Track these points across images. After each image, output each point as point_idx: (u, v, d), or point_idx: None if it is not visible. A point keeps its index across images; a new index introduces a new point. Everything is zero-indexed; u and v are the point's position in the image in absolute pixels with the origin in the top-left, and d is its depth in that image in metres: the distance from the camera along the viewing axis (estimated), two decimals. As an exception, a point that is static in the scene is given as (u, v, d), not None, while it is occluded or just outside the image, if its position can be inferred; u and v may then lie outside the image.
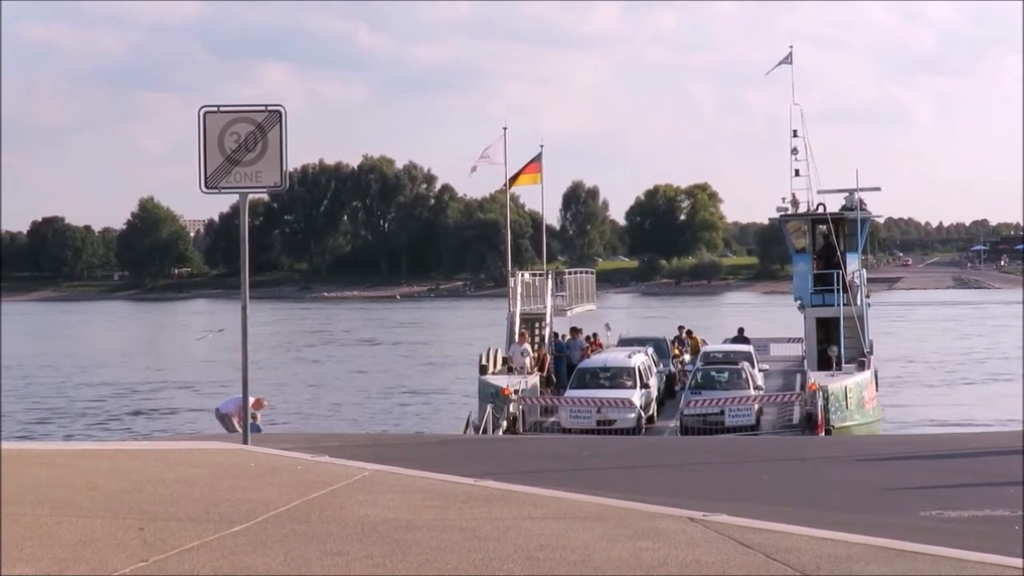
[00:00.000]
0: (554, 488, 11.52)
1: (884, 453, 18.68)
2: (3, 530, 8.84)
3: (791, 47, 40.10)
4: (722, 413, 29.23)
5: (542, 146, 40.73)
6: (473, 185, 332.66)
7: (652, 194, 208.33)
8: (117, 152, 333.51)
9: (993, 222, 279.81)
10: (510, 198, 44.58)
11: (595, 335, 40.64)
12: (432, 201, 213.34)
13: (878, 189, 39.31)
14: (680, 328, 43.88)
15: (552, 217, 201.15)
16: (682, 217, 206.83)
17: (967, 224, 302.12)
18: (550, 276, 40.57)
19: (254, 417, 23.84)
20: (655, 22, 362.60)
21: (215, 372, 62.06)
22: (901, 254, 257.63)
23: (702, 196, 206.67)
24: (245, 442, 15.56)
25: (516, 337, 35.64)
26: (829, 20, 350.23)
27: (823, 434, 28.32)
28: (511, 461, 17.37)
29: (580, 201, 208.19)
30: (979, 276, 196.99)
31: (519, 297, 37.74)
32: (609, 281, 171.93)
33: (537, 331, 38.71)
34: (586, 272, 47.47)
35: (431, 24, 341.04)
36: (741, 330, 42.77)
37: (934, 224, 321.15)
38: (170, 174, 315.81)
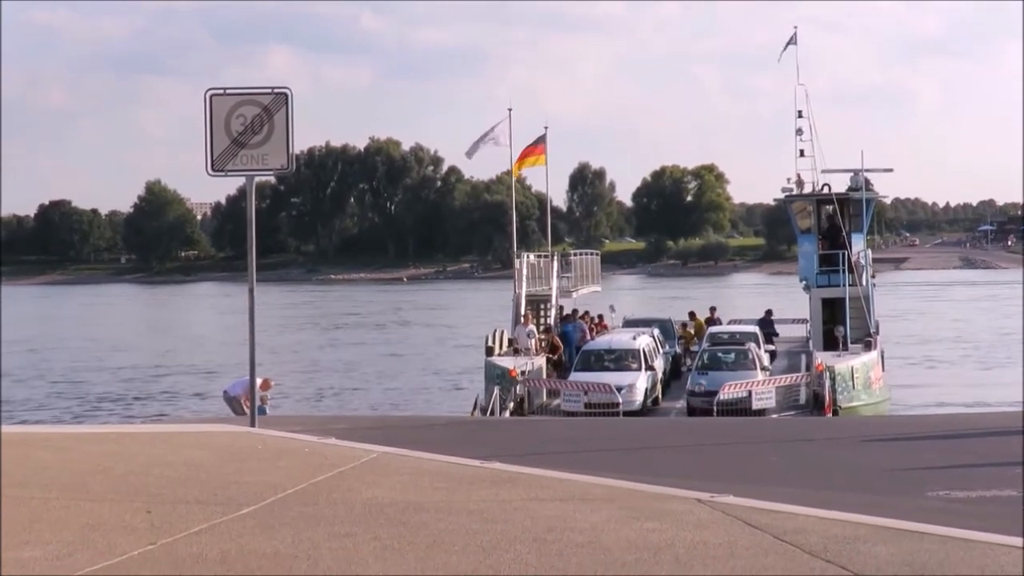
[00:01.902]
0: (561, 470, 11.53)
1: (891, 434, 18.71)
2: (12, 513, 8.87)
3: (795, 28, 40.04)
4: (749, 395, 29.13)
5: (546, 127, 40.70)
6: (480, 167, 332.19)
7: (659, 175, 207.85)
8: (123, 137, 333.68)
9: (1000, 202, 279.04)
10: (517, 180, 44.39)
11: (600, 316, 40.57)
12: (439, 183, 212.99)
13: (890, 170, 39.09)
14: (712, 310, 42.95)
15: (559, 199, 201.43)
16: (689, 198, 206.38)
17: (974, 204, 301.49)
18: (555, 258, 40.55)
19: (263, 400, 23.84)
20: (659, 6, 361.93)
21: (228, 354, 62.05)
22: (908, 234, 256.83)
23: (709, 177, 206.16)
24: (252, 425, 15.57)
25: (521, 318, 35.65)
26: (834, 3, 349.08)
27: (830, 415, 28.33)
28: (518, 443, 17.40)
29: (587, 183, 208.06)
30: (986, 256, 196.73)
31: (524, 279, 37.75)
32: (616, 262, 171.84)
33: (543, 313, 38.71)
34: (591, 253, 47.44)
35: (434, 8, 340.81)
36: (769, 311, 42.10)
37: (941, 204, 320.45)
38: (176, 158, 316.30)
